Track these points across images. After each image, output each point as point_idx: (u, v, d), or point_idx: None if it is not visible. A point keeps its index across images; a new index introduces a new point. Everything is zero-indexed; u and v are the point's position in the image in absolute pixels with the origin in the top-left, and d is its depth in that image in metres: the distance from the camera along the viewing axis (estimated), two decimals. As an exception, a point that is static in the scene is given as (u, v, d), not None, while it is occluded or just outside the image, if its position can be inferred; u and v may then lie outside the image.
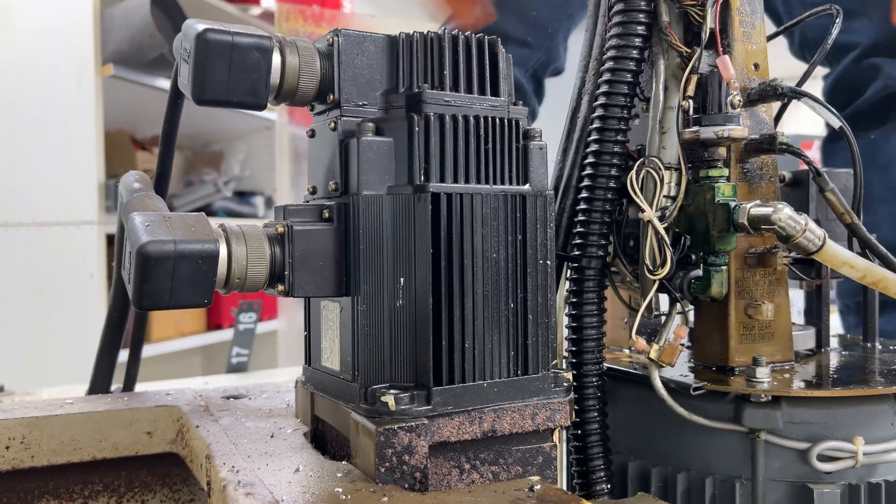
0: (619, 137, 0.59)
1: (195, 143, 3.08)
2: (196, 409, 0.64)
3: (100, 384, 0.71)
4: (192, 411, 0.63)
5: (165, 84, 2.34)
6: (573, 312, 0.61)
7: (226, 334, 2.47)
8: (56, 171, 2.20)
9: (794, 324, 0.69)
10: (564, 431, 0.63)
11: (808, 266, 0.72)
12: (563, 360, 0.64)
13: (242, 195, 2.78)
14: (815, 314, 0.72)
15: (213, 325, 2.49)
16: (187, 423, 0.61)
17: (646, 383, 0.60)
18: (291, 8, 2.27)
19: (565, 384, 0.54)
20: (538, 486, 0.46)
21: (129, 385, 0.74)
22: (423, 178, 0.50)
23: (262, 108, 0.49)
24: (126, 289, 0.69)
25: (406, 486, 0.46)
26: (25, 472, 0.63)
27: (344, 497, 0.43)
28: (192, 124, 2.75)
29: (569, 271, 0.63)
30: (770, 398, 0.56)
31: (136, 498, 0.70)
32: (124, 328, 0.70)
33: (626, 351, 0.74)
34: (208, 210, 2.60)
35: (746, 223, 0.54)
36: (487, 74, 0.53)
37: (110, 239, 2.16)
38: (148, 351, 1.98)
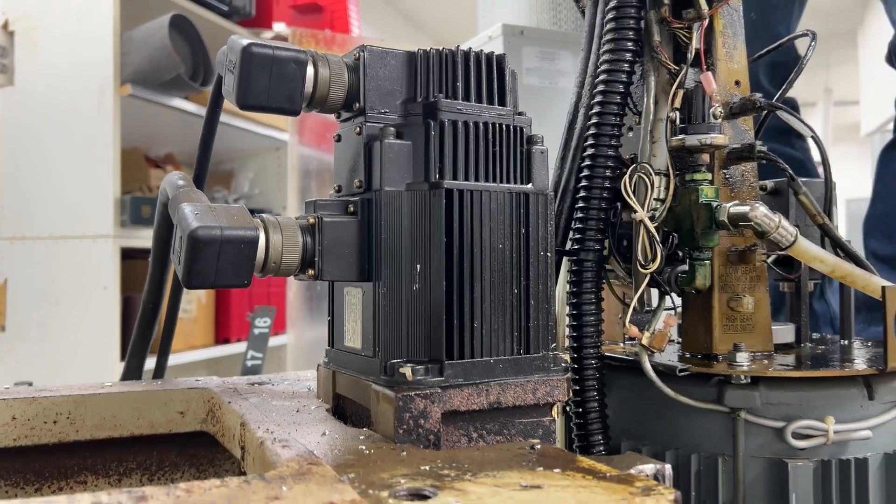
0: (612, 143, 0.66)
1: (207, 162, 3.15)
2: (226, 391, 0.70)
3: (133, 371, 0.77)
4: (222, 392, 0.69)
5: (180, 104, 2.43)
6: (573, 301, 0.67)
7: (233, 348, 2.53)
8: (73, 186, 2.27)
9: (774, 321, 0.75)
10: (564, 409, 0.69)
11: (788, 268, 0.78)
12: (564, 349, 0.70)
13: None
14: (795, 312, 0.78)
15: (222, 338, 2.55)
16: (219, 402, 0.67)
17: (638, 369, 0.66)
18: (304, 32, 2.36)
19: (563, 364, 0.60)
20: (538, 446, 0.52)
21: (158, 373, 0.80)
22: (437, 176, 0.56)
23: (297, 113, 0.56)
24: (159, 282, 0.75)
25: (421, 446, 0.52)
26: (69, 445, 0.69)
27: (367, 452, 0.49)
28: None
29: (569, 265, 0.69)
30: (749, 380, 0.62)
31: (166, 476, 0.75)
32: (157, 318, 0.76)
33: (621, 345, 0.80)
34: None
35: (727, 220, 0.61)
36: (495, 87, 0.60)
37: (125, 252, 2.23)
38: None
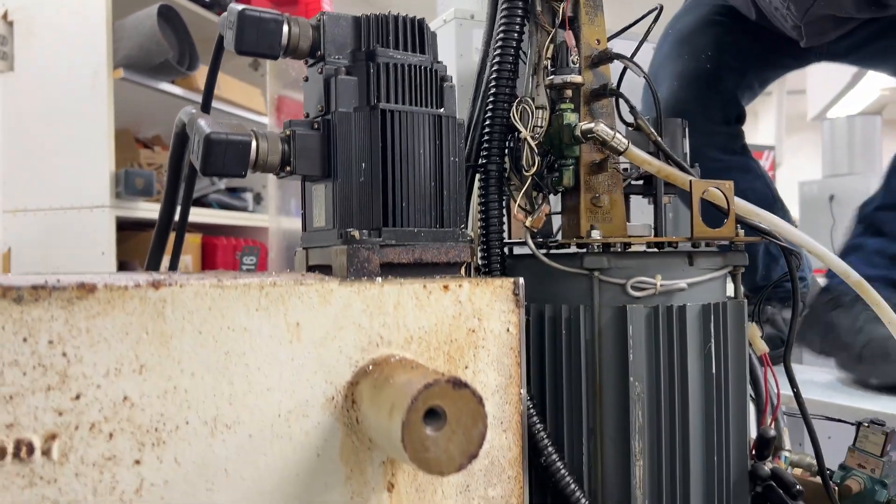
0: (509, 84, 0.91)
1: (191, 144, 3.37)
2: (217, 274, 0.94)
3: (153, 264, 1.01)
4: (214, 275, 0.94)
5: (168, 87, 2.65)
6: (482, 201, 0.92)
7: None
8: (72, 162, 2.48)
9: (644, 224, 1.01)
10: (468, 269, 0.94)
11: (648, 188, 1.04)
12: (476, 237, 0.96)
13: (234, 191, 3.09)
14: (654, 216, 1.04)
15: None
16: (222, 275, 0.91)
17: (530, 255, 0.91)
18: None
19: (469, 237, 0.85)
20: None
21: (173, 265, 1.04)
22: (376, 100, 0.81)
23: (276, 57, 0.81)
24: (172, 195, 1.00)
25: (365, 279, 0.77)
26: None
27: (325, 280, 0.74)
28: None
29: (477, 178, 0.95)
30: (601, 248, 0.87)
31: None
32: (171, 226, 1.01)
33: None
34: (203, 201, 2.89)
35: (580, 135, 0.86)
36: (418, 41, 0.85)
37: (120, 223, 2.45)
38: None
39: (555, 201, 0.99)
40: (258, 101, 3.14)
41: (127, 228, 2.55)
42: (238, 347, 0.55)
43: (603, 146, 0.86)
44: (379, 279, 0.62)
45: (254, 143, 0.79)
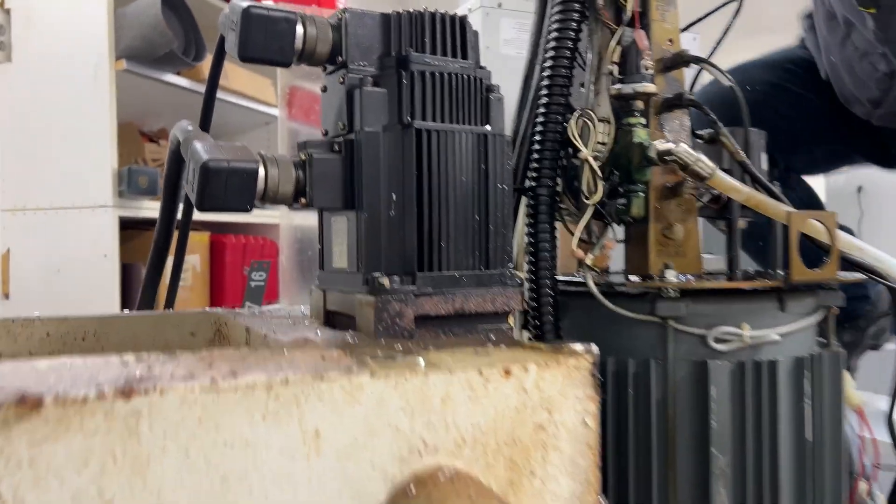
0: (563, 92, 0.76)
1: (199, 137, 3.24)
2: (230, 313, 0.80)
3: (148, 300, 0.87)
4: (227, 314, 0.80)
5: (173, 79, 2.51)
6: (531, 231, 0.78)
7: (228, 315, 2.64)
8: (72, 159, 2.35)
9: (710, 253, 0.87)
10: (525, 327, 0.80)
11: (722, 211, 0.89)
12: (523, 277, 0.81)
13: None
14: (728, 246, 0.89)
15: (216, 306, 2.66)
16: (226, 320, 0.78)
17: (586, 292, 0.77)
18: (292, 7, 2.44)
19: (518, 280, 0.71)
20: (494, 337, 0.63)
21: (169, 303, 0.90)
22: (409, 118, 0.67)
23: (288, 64, 0.66)
24: (169, 217, 0.86)
25: (398, 339, 0.63)
26: (95, 361, 0.79)
27: (352, 341, 0.60)
28: (195, 119, 2.92)
29: (527, 201, 0.80)
30: (677, 293, 0.73)
31: (178, 393, 0.86)
32: (167, 253, 0.87)
33: (576, 275, 0.91)
34: (212, 198, 2.75)
35: (655, 156, 0.71)
36: (458, 43, 0.70)
37: (123, 223, 2.32)
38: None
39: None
40: (268, 91, 2.99)
41: (132, 227, 2.42)
42: (239, 468, 0.41)
43: (683, 171, 0.71)
44: (421, 361, 0.48)
45: (261, 171, 0.65)
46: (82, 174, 2.33)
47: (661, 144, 0.71)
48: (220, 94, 2.84)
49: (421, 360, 0.49)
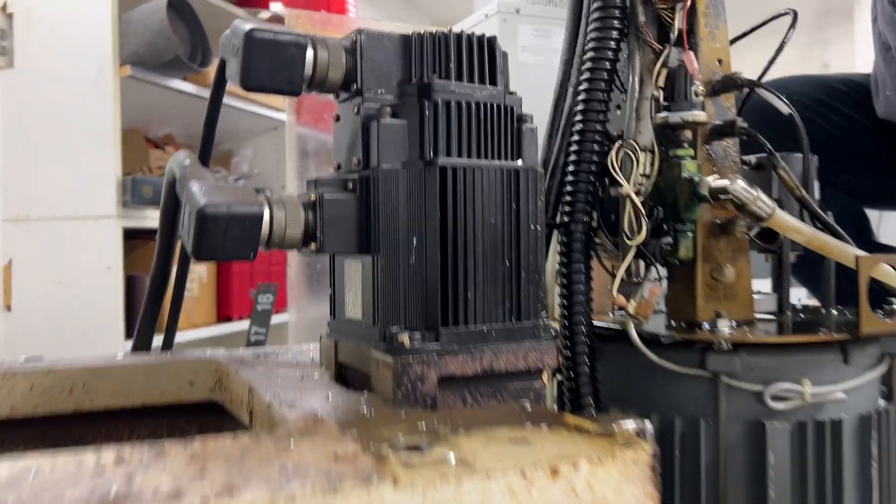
0: (600, 119, 0.69)
1: (206, 143, 3.19)
2: (233, 361, 0.73)
3: (143, 343, 0.80)
4: (229, 362, 0.72)
5: (179, 85, 2.44)
6: (564, 271, 0.70)
7: (235, 326, 2.57)
8: (75, 167, 2.29)
9: (759, 291, 0.79)
10: (556, 374, 0.72)
11: (770, 242, 0.81)
12: (555, 318, 0.74)
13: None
14: (777, 283, 0.81)
15: (224, 316, 2.59)
16: (227, 371, 0.70)
17: (626, 338, 0.69)
18: (301, 13, 2.37)
19: (553, 332, 0.63)
20: (529, 407, 0.55)
21: (168, 343, 0.83)
22: (432, 153, 0.59)
23: (297, 94, 0.59)
24: (166, 257, 0.79)
25: (419, 408, 0.56)
26: (85, 415, 0.72)
27: (368, 413, 0.53)
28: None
29: (559, 237, 0.72)
30: (730, 346, 0.65)
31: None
32: (165, 292, 0.80)
33: (611, 315, 0.83)
34: (219, 206, 2.68)
35: (707, 194, 0.64)
36: (487, 67, 0.63)
37: (127, 233, 2.26)
38: (159, 341, 2.08)
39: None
40: (277, 96, 2.92)
41: (137, 237, 2.35)
42: None
43: (738, 210, 0.63)
44: (451, 456, 0.41)
45: (266, 214, 0.58)
46: (85, 183, 2.26)
47: (714, 182, 0.63)
48: (227, 100, 2.78)
49: (451, 456, 0.41)
